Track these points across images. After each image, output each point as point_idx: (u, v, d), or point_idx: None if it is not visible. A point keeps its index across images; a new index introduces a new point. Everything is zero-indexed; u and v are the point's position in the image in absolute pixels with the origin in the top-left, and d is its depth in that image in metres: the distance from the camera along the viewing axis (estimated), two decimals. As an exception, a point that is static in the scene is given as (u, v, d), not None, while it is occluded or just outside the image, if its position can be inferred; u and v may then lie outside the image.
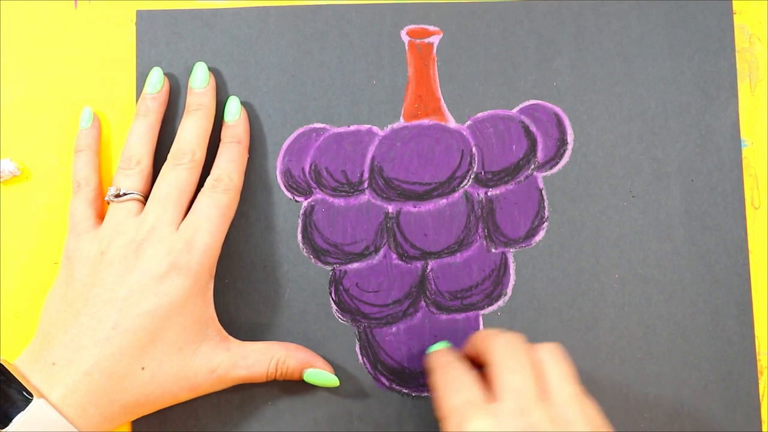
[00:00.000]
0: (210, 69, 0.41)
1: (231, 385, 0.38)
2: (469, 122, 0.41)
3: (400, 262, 0.41)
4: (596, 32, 0.42)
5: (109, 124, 0.42)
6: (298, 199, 0.41)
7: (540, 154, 0.41)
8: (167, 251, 0.36)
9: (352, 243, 0.41)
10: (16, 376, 0.34)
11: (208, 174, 0.39)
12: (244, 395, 0.40)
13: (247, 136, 0.41)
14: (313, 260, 0.41)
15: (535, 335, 0.41)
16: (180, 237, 0.36)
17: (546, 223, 0.41)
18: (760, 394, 0.40)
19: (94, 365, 0.34)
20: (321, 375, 0.39)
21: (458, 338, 0.41)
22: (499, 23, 0.42)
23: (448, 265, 0.41)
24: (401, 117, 0.41)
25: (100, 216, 0.40)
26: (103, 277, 0.36)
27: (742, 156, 0.41)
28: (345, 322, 0.41)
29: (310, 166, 0.41)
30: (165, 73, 0.41)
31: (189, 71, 0.41)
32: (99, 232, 0.38)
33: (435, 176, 0.41)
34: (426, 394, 0.41)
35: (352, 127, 0.41)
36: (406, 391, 0.40)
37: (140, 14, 0.42)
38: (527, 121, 0.41)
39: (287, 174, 0.41)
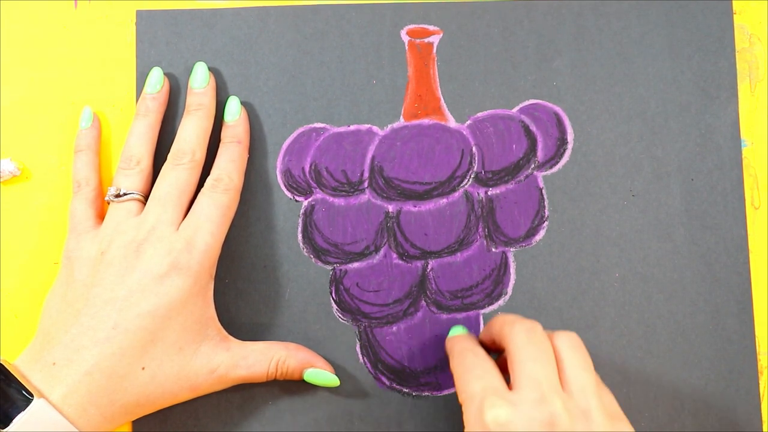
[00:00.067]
0: (210, 69, 0.41)
1: (231, 385, 0.38)
2: (469, 122, 0.41)
3: (400, 262, 0.41)
4: (596, 32, 0.42)
5: (109, 124, 0.42)
6: (298, 198, 0.41)
7: (540, 154, 0.41)
8: (167, 251, 0.36)
9: (353, 242, 0.41)
10: (16, 376, 0.34)
11: (208, 174, 0.39)
12: (245, 395, 0.40)
13: (247, 136, 0.41)
14: (313, 260, 0.41)
15: (535, 335, 0.41)
16: (180, 237, 0.36)
17: (546, 223, 0.41)
18: (761, 393, 0.40)
19: (94, 365, 0.34)
20: (321, 375, 0.39)
21: (458, 338, 0.41)
22: (499, 23, 0.42)
23: (448, 265, 0.41)
24: (401, 117, 0.41)
25: (101, 216, 0.40)
26: (104, 277, 0.36)
27: (742, 156, 0.42)
28: (345, 322, 0.41)
29: (311, 166, 0.41)
30: (165, 73, 0.41)
31: (189, 71, 0.41)
32: (99, 232, 0.38)
33: (435, 176, 0.41)
34: (426, 393, 0.40)
35: (352, 127, 0.41)
36: (406, 390, 0.40)
37: (140, 14, 0.42)
38: (527, 120, 0.41)
39: (287, 174, 0.41)
